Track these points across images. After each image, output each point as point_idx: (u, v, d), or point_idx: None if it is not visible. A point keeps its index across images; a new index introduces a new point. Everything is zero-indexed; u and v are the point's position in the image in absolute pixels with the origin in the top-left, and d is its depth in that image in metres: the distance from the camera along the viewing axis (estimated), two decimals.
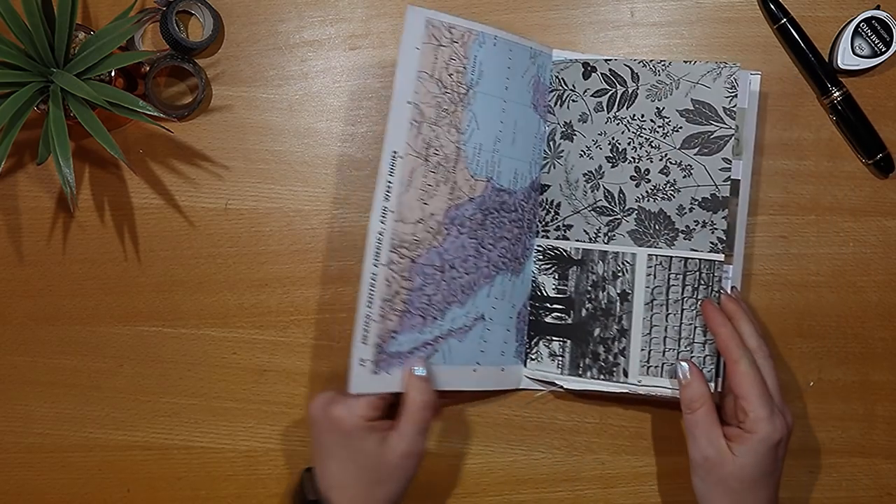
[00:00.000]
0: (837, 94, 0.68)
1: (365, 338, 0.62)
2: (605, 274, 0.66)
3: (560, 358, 0.68)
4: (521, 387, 0.69)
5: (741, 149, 0.67)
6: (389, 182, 0.62)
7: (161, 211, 0.70)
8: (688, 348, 0.65)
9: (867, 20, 0.67)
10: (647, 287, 0.66)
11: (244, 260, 0.70)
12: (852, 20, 0.67)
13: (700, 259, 0.65)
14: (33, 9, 0.60)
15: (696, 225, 0.65)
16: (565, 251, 0.67)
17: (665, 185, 0.65)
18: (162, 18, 0.67)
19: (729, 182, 0.64)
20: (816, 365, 0.70)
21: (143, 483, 0.71)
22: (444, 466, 0.71)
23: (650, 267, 0.66)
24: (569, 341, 0.67)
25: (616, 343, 0.66)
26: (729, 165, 0.64)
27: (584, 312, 0.67)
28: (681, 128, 0.65)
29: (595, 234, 0.67)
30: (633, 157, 0.66)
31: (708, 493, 0.61)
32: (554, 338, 0.68)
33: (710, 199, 0.65)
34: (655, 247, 0.66)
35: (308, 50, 0.70)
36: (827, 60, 0.69)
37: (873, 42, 0.67)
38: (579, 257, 0.67)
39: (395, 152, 0.63)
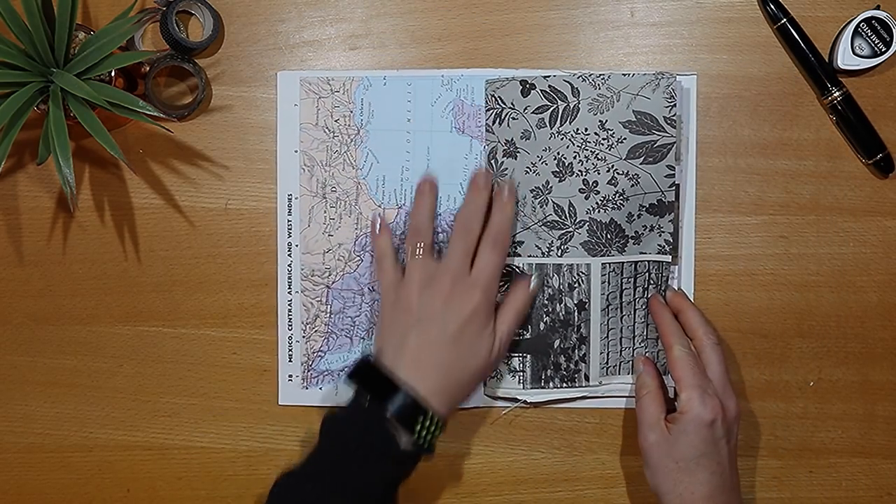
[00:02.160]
0: (837, 94, 0.68)
1: (290, 356, 0.70)
2: (562, 286, 0.67)
3: (521, 373, 0.68)
4: (479, 405, 0.70)
5: (681, 153, 0.68)
6: (289, 220, 0.69)
7: (161, 211, 0.70)
8: (642, 345, 0.68)
9: (867, 20, 0.67)
10: (603, 294, 0.67)
11: (244, 260, 0.70)
12: (852, 20, 0.67)
13: (649, 261, 0.67)
14: (33, 9, 0.60)
15: (645, 230, 0.67)
16: (517, 268, 0.67)
17: (614, 195, 0.67)
18: (162, 18, 0.67)
19: (674, 187, 0.67)
20: (816, 365, 0.70)
21: (143, 483, 0.71)
22: (444, 466, 0.71)
23: (604, 275, 0.67)
24: (528, 356, 0.68)
25: (576, 351, 0.68)
26: (673, 171, 0.66)
27: (542, 326, 0.68)
28: (625, 139, 0.66)
29: (548, 248, 0.67)
30: (580, 171, 0.67)
31: (653, 479, 0.62)
32: (513, 354, 0.68)
33: (657, 204, 0.67)
34: (608, 255, 0.67)
35: (308, 50, 0.70)
36: (827, 60, 0.68)
37: (873, 42, 0.67)
38: (532, 273, 0.67)
39: (289, 195, 0.69)
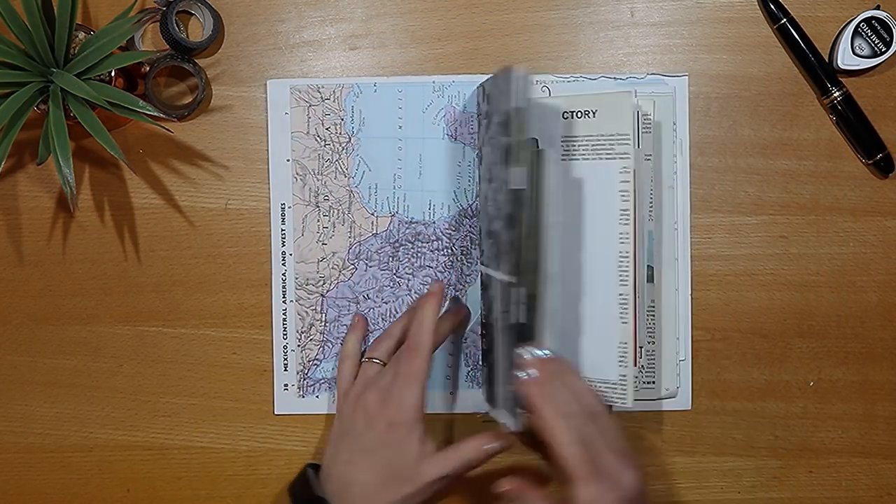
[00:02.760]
0: (837, 94, 0.68)
1: (285, 365, 0.70)
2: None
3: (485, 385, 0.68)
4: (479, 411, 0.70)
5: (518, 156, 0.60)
6: (283, 229, 0.69)
7: (161, 211, 0.70)
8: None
9: (867, 20, 0.67)
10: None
11: (244, 260, 0.70)
12: (852, 20, 0.67)
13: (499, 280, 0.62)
14: (33, 9, 0.60)
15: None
16: (492, 276, 0.64)
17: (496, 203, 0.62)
18: (162, 18, 0.67)
19: (513, 196, 0.58)
20: (816, 365, 0.70)
21: (143, 483, 0.71)
22: None
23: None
24: (486, 367, 0.68)
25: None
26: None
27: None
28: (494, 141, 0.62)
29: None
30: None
31: None
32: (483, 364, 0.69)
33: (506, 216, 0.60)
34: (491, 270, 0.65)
35: (308, 50, 0.70)
36: (827, 60, 0.69)
37: (873, 42, 0.67)
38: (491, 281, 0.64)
39: (283, 204, 0.69)
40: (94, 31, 0.64)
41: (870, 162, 0.69)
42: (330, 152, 0.69)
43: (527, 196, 0.59)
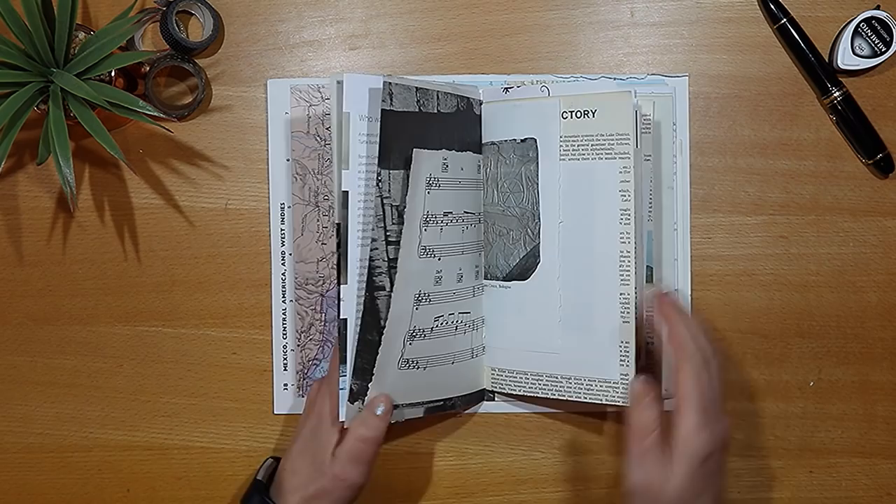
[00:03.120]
0: (837, 94, 0.68)
1: (285, 365, 0.70)
2: None
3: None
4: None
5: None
6: (282, 229, 0.69)
7: (161, 211, 0.70)
8: None
9: (867, 20, 0.67)
10: None
11: (244, 260, 0.70)
12: (852, 20, 0.67)
13: None
14: (33, 9, 0.60)
15: None
16: None
17: None
18: (162, 18, 0.67)
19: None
20: (816, 365, 0.70)
21: (143, 483, 0.71)
22: (444, 466, 0.71)
23: None
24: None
25: None
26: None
27: None
28: None
29: None
30: None
31: None
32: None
33: None
34: None
35: (308, 50, 0.70)
36: (827, 60, 0.69)
37: (873, 42, 0.67)
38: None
39: (282, 204, 0.69)
40: (94, 31, 0.64)
41: (870, 162, 0.69)
42: (330, 152, 0.69)
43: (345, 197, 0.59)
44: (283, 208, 0.70)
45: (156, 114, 0.62)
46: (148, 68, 0.68)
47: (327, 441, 0.61)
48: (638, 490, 0.56)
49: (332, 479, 0.60)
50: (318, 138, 0.69)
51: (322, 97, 0.69)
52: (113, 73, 0.64)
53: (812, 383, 0.70)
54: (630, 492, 0.57)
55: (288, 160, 0.70)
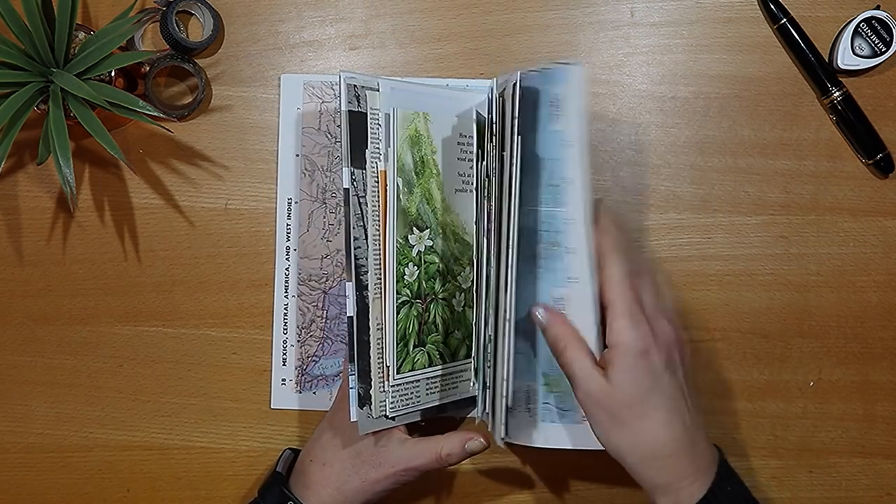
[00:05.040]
0: (837, 94, 0.68)
1: (284, 360, 0.70)
2: None
3: None
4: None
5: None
6: (288, 224, 0.69)
7: (161, 211, 0.70)
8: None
9: (867, 20, 0.67)
10: None
11: (244, 260, 0.70)
12: (852, 20, 0.67)
13: None
14: (33, 9, 0.60)
15: None
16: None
17: None
18: (162, 18, 0.67)
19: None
20: (816, 365, 0.70)
21: (143, 483, 0.71)
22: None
23: None
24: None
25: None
26: None
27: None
28: None
29: None
30: None
31: (608, 439, 0.55)
32: None
33: None
34: None
35: (308, 50, 0.70)
36: (827, 60, 0.69)
37: (873, 42, 0.67)
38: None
39: (289, 199, 0.69)
40: (94, 31, 0.65)
41: (870, 162, 0.69)
42: (340, 149, 0.69)
43: (350, 195, 0.59)
44: (290, 203, 0.70)
45: (156, 114, 0.62)
46: (148, 68, 0.68)
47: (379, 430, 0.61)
48: (586, 408, 0.56)
49: (394, 470, 0.61)
50: (328, 135, 0.69)
51: (335, 94, 0.69)
52: (113, 73, 0.64)
53: (812, 383, 0.70)
54: (586, 414, 0.56)
55: (297, 155, 0.70)
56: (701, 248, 0.69)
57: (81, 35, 0.65)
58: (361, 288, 0.60)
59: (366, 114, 0.60)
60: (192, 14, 0.70)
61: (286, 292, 0.70)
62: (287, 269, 0.70)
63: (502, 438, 0.60)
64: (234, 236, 0.70)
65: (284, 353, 0.70)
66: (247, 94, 0.70)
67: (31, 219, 0.71)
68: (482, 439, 0.62)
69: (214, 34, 0.68)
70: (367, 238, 0.60)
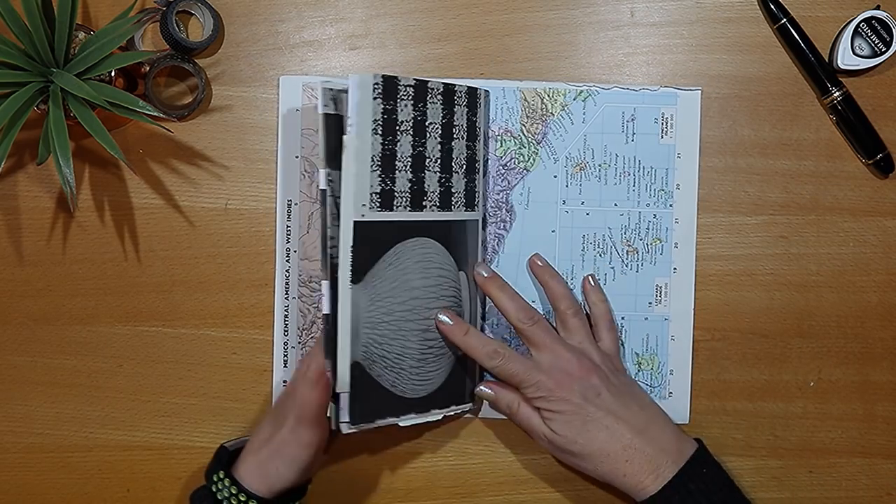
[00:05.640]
0: (837, 94, 0.68)
1: (285, 361, 0.70)
2: None
3: None
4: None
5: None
6: (288, 226, 0.69)
7: (161, 211, 0.70)
8: None
9: (867, 20, 0.67)
10: None
11: (244, 260, 0.70)
12: (852, 20, 0.67)
13: None
14: (33, 9, 0.60)
15: None
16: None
17: None
18: (162, 18, 0.67)
19: None
20: (816, 365, 0.70)
21: (143, 483, 0.71)
22: (445, 466, 0.71)
23: None
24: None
25: None
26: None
27: None
28: None
29: None
30: None
31: (592, 469, 0.62)
32: None
33: None
34: None
35: (308, 50, 0.70)
36: (827, 60, 0.68)
37: (873, 42, 0.67)
38: None
39: (289, 200, 0.69)
40: (94, 31, 0.64)
41: (870, 162, 0.69)
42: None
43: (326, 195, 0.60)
44: (289, 205, 0.70)
45: (156, 114, 0.62)
46: (148, 68, 0.68)
47: (300, 396, 0.60)
48: (552, 451, 0.65)
49: (286, 437, 0.61)
50: None
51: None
52: (113, 73, 0.64)
53: (812, 384, 0.70)
54: (555, 456, 0.66)
55: (297, 157, 0.70)
56: (701, 248, 0.69)
57: (81, 35, 0.65)
58: (336, 286, 0.61)
59: (343, 116, 0.60)
60: (192, 14, 0.70)
61: (287, 294, 0.70)
62: (287, 270, 0.70)
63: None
64: (234, 236, 0.70)
65: (285, 355, 0.70)
66: (247, 94, 0.70)
67: (31, 219, 0.71)
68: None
69: (214, 34, 0.68)
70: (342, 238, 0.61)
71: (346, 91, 0.60)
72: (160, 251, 0.71)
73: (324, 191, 0.60)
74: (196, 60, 0.69)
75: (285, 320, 0.70)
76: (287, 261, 0.70)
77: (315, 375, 0.60)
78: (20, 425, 0.71)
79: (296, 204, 0.70)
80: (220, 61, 0.70)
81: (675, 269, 0.69)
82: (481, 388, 0.66)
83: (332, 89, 0.60)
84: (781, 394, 0.70)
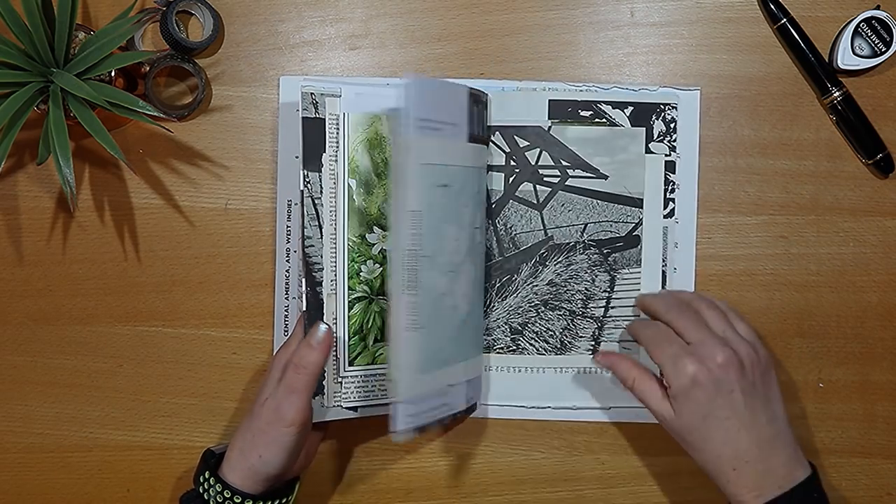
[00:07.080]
0: (837, 94, 0.68)
1: None
2: None
3: None
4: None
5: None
6: (288, 227, 0.69)
7: (161, 211, 0.70)
8: None
9: (867, 20, 0.67)
10: None
11: (244, 260, 0.70)
12: (852, 20, 0.67)
13: None
14: (33, 9, 0.60)
15: None
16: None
17: None
18: (162, 18, 0.67)
19: None
20: (816, 365, 0.70)
21: (143, 483, 0.71)
22: (444, 466, 0.71)
23: None
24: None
25: None
26: None
27: None
28: None
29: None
30: None
31: (697, 460, 0.60)
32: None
33: None
34: None
35: (308, 50, 0.70)
36: (827, 60, 0.69)
37: (873, 42, 0.67)
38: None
39: (289, 201, 0.70)
40: (94, 31, 0.65)
41: (870, 162, 0.69)
42: None
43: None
44: (289, 205, 0.70)
45: (156, 114, 0.62)
46: (148, 68, 0.68)
47: (298, 359, 0.59)
48: (666, 427, 0.61)
49: (267, 416, 0.59)
50: None
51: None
52: (113, 73, 0.64)
53: (822, 385, 0.70)
54: (673, 434, 0.62)
55: (297, 157, 0.69)
56: (701, 248, 0.69)
57: (81, 35, 0.65)
58: (315, 284, 0.63)
59: (323, 120, 0.64)
60: (192, 14, 0.70)
61: (286, 294, 0.70)
62: (287, 271, 0.70)
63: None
64: (234, 236, 0.70)
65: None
66: (247, 94, 0.70)
67: (31, 219, 0.71)
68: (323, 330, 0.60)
69: (214, 34, 0.68)
70: (322, 238, 0.64)
71: (333, 94, 0.63)
72: (160, 251, 0.71)
73: (302, 192, 0.63)
74: (196, 60, 0.69)
75: (285, 320, 0.70)
76: (287, 261, 0.70)
77: (324, 336, 0.59)
78: (20, 425, 0.71)
79: (295, 204, 0.70)
80: (220, 61, 0.70)
81: (675, 269, 0.69)
82: (598, 356, 0.64)
83: (312, 93, 0.63)
84: (782, 394, 0.70)
